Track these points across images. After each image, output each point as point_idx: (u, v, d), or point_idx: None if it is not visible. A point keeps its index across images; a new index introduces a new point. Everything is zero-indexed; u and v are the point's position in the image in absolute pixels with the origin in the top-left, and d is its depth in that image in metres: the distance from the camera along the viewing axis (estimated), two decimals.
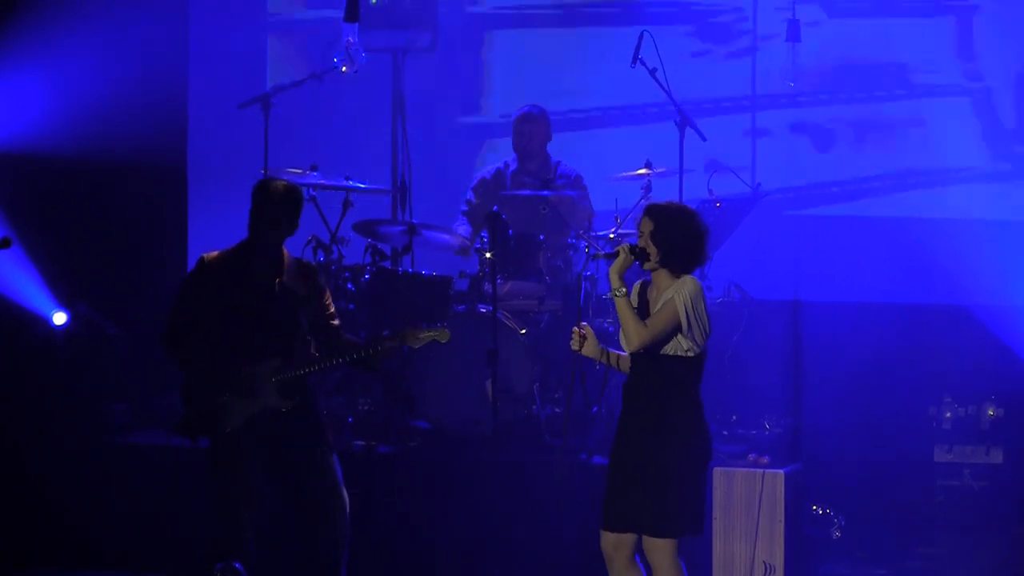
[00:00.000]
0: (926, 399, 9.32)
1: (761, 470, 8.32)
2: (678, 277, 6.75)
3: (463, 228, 9.83)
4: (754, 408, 9.30)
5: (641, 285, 6.89)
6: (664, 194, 9.33)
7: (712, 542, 8.30)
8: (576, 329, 6.84)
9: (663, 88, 9.25)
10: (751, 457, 8.47)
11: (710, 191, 9.26)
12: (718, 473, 8.34)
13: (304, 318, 7.41)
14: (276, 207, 7.32)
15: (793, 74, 9.21)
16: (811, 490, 8.80)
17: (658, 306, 6.73)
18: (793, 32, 9.21)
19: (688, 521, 6.74)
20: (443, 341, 7.49)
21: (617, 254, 6.75)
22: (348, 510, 7.44)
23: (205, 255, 7.43)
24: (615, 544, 6.82)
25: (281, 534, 8.04)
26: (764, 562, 8.25)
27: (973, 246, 9.49)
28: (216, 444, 7.34)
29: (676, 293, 6.70)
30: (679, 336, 6.70)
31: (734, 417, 9.25)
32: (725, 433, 9.08)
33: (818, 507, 8.79)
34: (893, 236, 9.97)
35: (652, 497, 6.70)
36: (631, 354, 6.78)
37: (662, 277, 6.78)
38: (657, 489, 6.69)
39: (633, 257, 6.76)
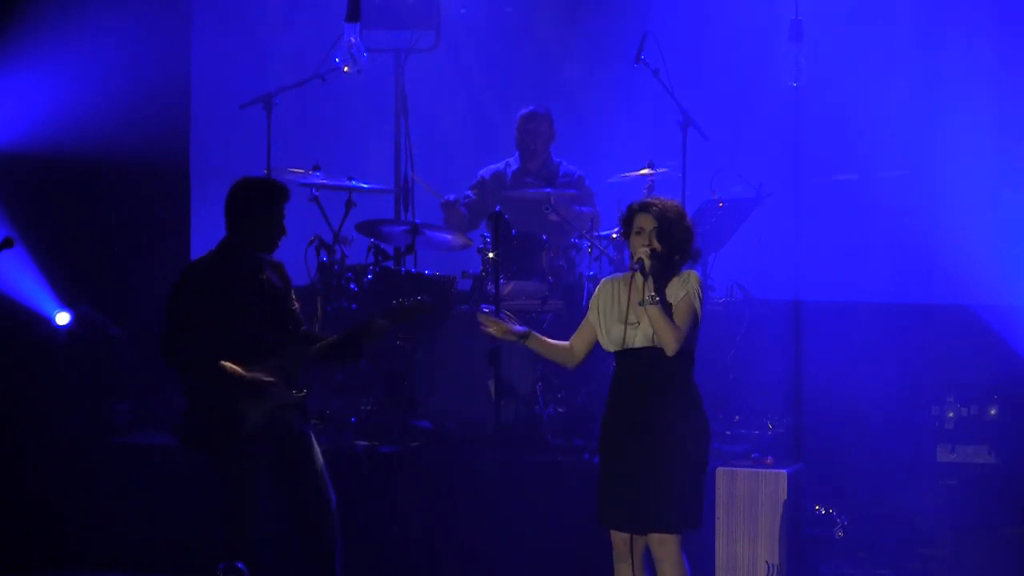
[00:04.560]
0: (929, 399, 9.31)
1: (763, 470, 8.32)
2: (679, 273, 6.74)
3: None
4: (756, 408, 9.32)
5: (627, 278, 6.79)
6: (667, 194, 9.35)
7: (715, 542, 8.30)
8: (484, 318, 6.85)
9: (666, 89, 9.26)
10: (754, 457, 8.47)
11: (713, 191, 9.28)
12: (721, 473, 8.34)
13: (287, 312, 7.41)
14: (258, 202, 7.28)
15: (796, 74, 9.21)
16: (813, 490, 8.80)
17: (675, 303, 6.69)
18: (796, 32, 9.22)
19: (696, 515, 6.75)
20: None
21: (644, 269, 6.62)
22: (335, 502, 7.44)
23: (190, 263, 7.34)
24: (627, 542, 6.80)
25: (281, 531, 8.03)
26: (766, 562, 8.24)
27: (975, 245, 9.49)
28: (227, 449, 7.28)
29: (687, 289, 6.70)
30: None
31: (737, 417, 9.27)
32: (728, 433, 9.10)
33: (820, 507, 8.78)
34: (895, 236, 9.98)
35: (669, 494, 6.68)
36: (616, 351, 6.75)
37: (660, 273, 6.71)
38: (671, 486, 6.68)
39: (653, 262, 6.67)
